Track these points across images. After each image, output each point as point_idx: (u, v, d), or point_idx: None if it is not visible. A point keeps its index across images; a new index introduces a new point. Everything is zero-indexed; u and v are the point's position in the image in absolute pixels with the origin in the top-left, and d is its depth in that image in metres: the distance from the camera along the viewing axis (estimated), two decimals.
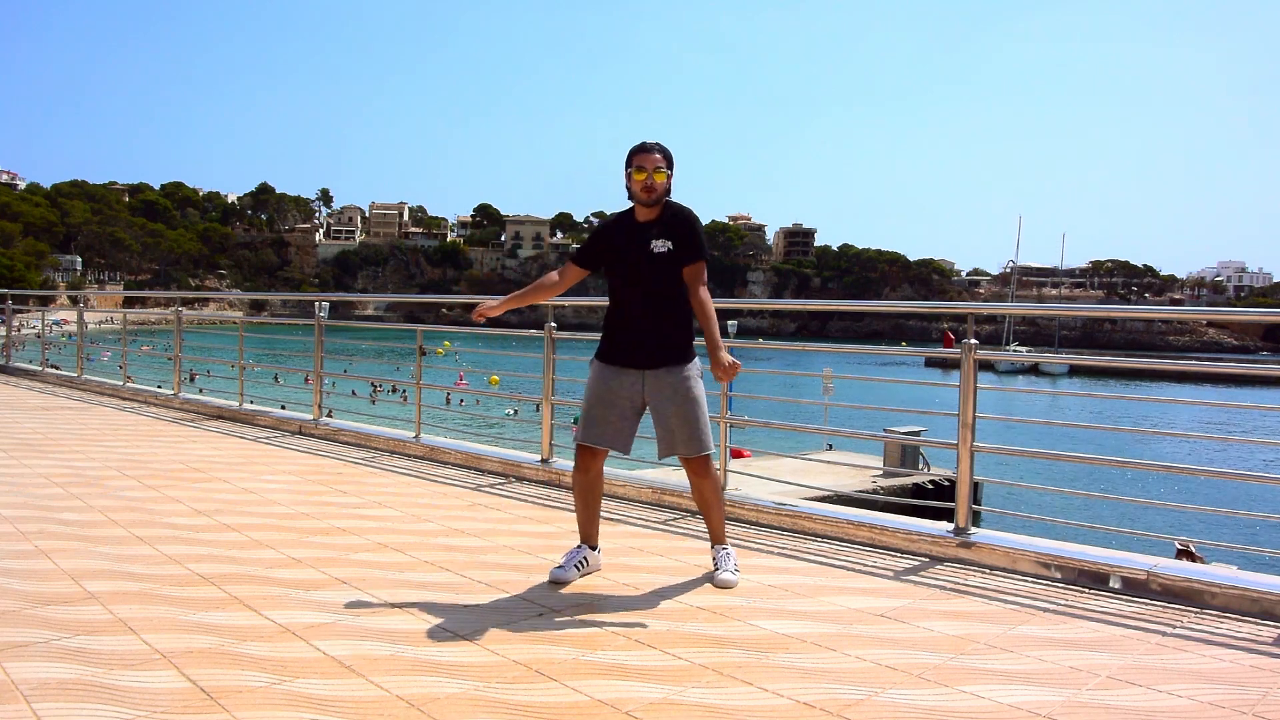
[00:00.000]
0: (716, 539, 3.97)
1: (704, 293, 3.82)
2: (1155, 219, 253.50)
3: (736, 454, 14.09)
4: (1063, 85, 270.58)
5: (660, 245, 3.76)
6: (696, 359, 3.89)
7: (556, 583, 3.79)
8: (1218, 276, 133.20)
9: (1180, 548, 11.60)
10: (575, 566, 3.87)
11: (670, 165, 3.80)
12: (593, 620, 3.36)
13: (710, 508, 3.93)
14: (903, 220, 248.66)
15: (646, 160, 3.75)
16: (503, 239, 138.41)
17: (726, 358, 3.75)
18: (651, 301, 3.79)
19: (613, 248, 3.83)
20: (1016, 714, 2.61)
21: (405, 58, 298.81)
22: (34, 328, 28.43)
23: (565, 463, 6.05)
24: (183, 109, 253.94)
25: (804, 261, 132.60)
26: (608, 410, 3.82)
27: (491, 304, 4.01)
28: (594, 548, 3.99)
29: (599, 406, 3.83)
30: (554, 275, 4.01)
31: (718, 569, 3.87)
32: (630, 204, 3.87)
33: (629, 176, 3.79)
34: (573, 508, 5.12)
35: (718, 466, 5.24)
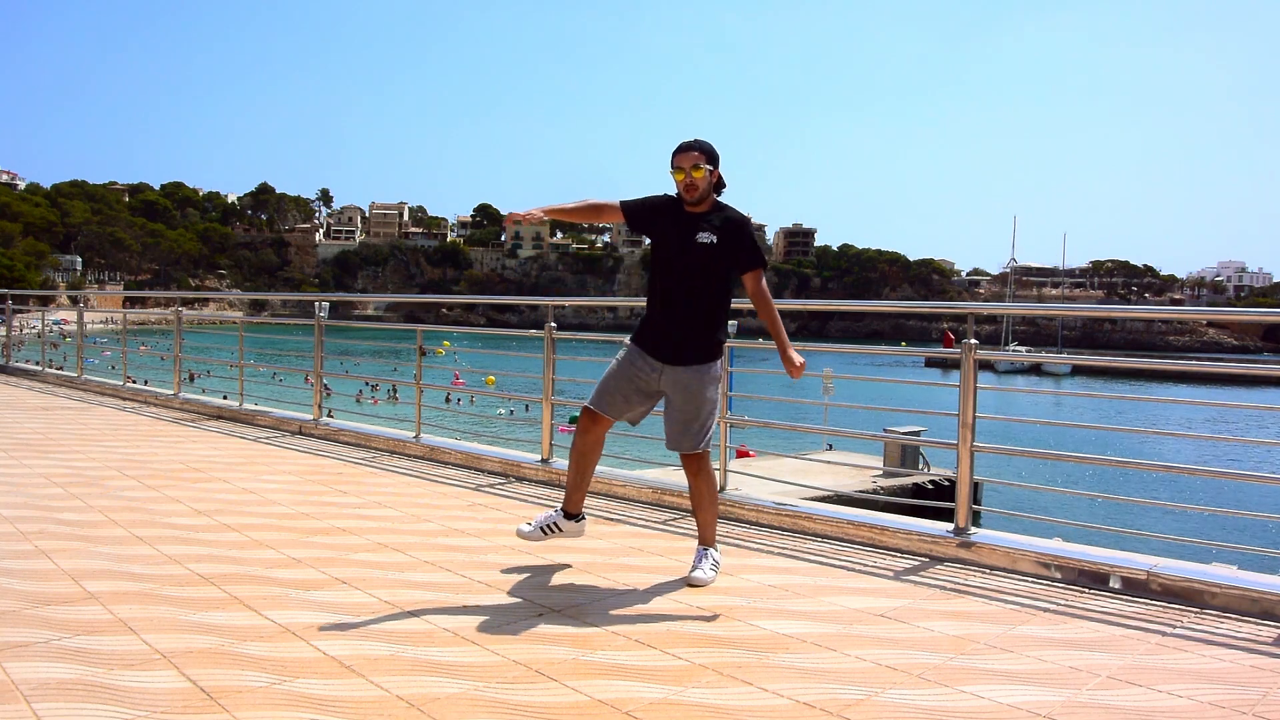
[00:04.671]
0: (704, 541, 3.97)
1: (766, 297, 3.87)
2: (1155, 219, 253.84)
3: (742, 454, 14.08)
4: (1063, 85, 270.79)
5: (705, 237, 3.78)
6: (718, 362, 3.92)
7: (521, 537, 3.94)
8: (1218, 276, 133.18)
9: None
10: (541, 529, 3.95)
11: (713, 161, 3.82)
12: (593, 620, 3.36)
13: (701, 508, 3.95)
14: (903, 220, 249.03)
15: (685, 159, 3.79)
16: (503, 239, 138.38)
17: (796, 357, 3.81)
18: (687, 292, 3.81)
19: (660, 226, 3.87)
20: (1016, 714, 2.61)
21: (405, 58, 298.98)
22: (34, 328, 28.43)
23: (565, 462, 6.05)
24: (183, 109, 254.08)
25: (804, 261, 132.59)
26: (621, 384, 3.87)
27: (535, 212, 3.88)
28: (572, 516, 3.97)
29: (615, 379, 3.88)
30: (601, 203, 3.96)
31: (696, 567, 3.88)
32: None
33: (672, 177, 3.84)
34: None
35: (717, 466, 5.25)
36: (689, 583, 3.81)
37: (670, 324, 3.83)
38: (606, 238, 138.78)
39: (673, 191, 3.89)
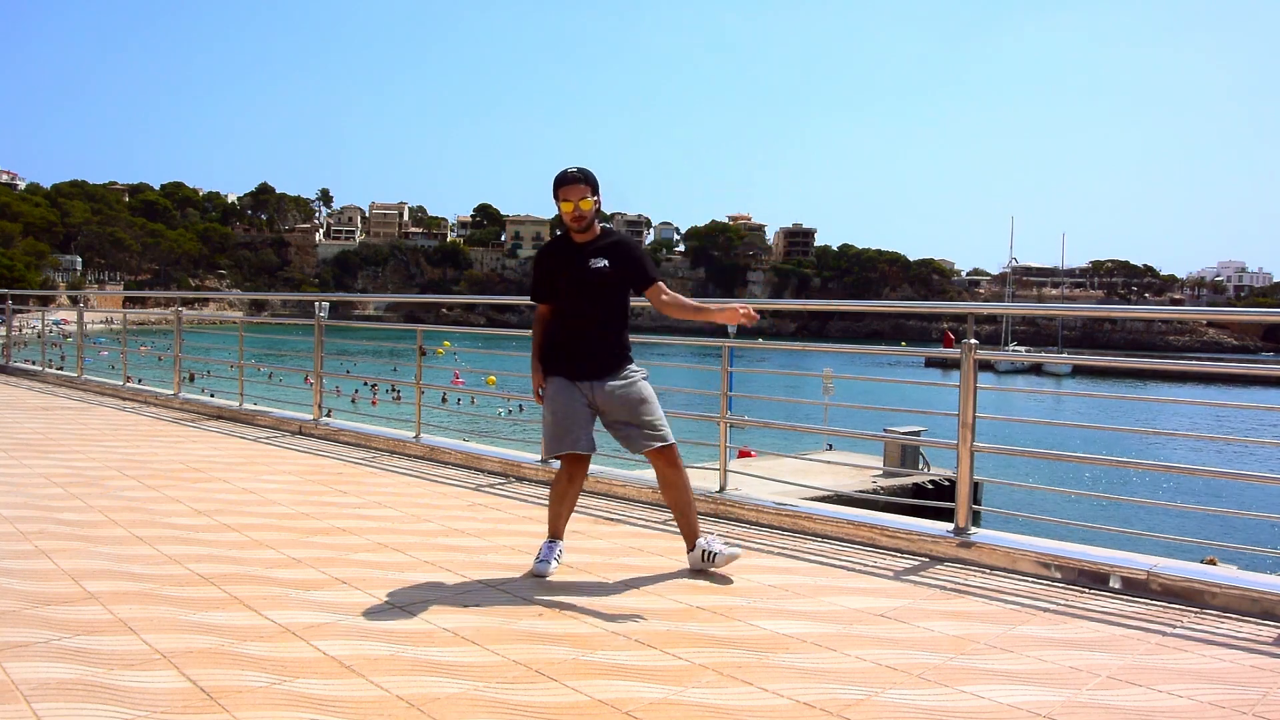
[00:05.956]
0: (694, 535, 4.02)
1: (675, 300, 4.03)
2: (1155, 219, 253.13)
3: (744, 454, 14.06)
4: (1063, 85, 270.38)
5: (598, 262, 3.93)
6: (637, 363, 4.03)
7: (539, 576, 3.92)
8: (1218, 276, 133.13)
9: None
10: (556, 560, 4.01)
11: (595, 190, 3.96)
12: (592, 620, 3.36)
13: (684, 503, 3.99)
14: (903, 220, 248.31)
15: (572, 192, 3.92)
16: (503, 239, 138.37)
17: (732, 305, 3.94)
18: (591, 317, 3.95)
19: (555, 271, 4.01)
20: (1016, 714, 2.61)
21: (405, 58, 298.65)
22: (34, 328, 28.44)
23: None
24: (183, 109, 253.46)
25: (804, 261, 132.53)
26: (577, 415, 3.94)
27: (537, 386, 4.08)
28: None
29: (569, 415, 3.93)
30: (538, 321, 4.14)
31: (713, 551, 3.93)
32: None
33: (557, 206, 3.97)
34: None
35: (716, 466, 5.26)
36: (723, 561, 3.89)
37: (584, 346, 3.95)
38: None
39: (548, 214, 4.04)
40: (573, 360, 3.96)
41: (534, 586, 3.77)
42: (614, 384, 3.92)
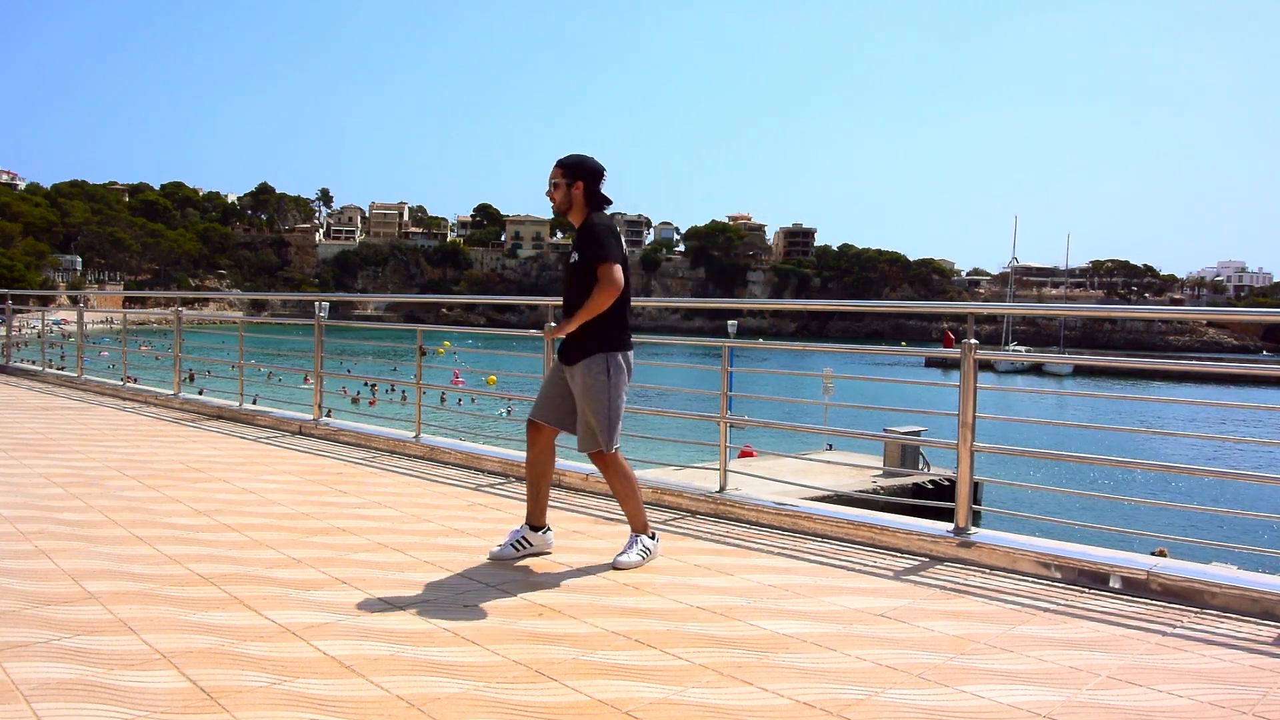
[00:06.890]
0: (634, 529, 4.14)
1: (598, 289, 3.91)
2: (1155, 219, 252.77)
3: (745, 454, 14.06)
4: (1063, 85, 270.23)
5: (573, 255, 4.07)
6: (604, 357, 3.97)
7: (497, 560, 4.08)
8: (1218, 276, 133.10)
9: None
10: (513, 546, 4.12)
11: (574, 175, 4.02)
12: (592, 620, 3.36)
13: (622, 501, 4.14)
14: (903, 220, 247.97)
15: (549, 175, 4.07)
16: (503, 239, 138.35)
17: (558, 329, 4.04)
18: (568, 303, 4.06)
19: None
20: (1016, 714, 2.61)
21: (405, 58, 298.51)
22: (34, 328, 28.45)
23: (564, 462, 6.05)
24: (183, 109, 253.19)
25: (804, 261, 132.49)
26: (548, 389, 4.13)
27: (559, 328, 4.12)
28: (538, 528, 4.16)
29: (543, 387, 4.22)
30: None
31: (620, 552, 4.07)
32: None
33: None
34: (571, 507, 5.20)
35: (716, 466, 5.26)
36: (614, 566, 4.00)
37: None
38: None
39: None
40: (560, 346, 4.16)
41: (533, 586, 3.77)
42: (577, 374, 4.01)
